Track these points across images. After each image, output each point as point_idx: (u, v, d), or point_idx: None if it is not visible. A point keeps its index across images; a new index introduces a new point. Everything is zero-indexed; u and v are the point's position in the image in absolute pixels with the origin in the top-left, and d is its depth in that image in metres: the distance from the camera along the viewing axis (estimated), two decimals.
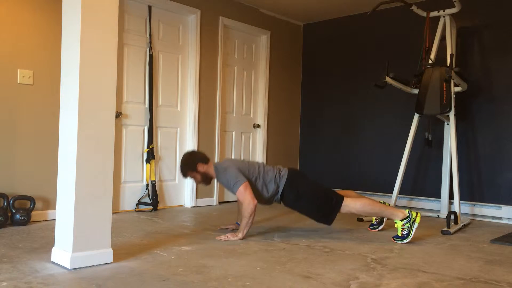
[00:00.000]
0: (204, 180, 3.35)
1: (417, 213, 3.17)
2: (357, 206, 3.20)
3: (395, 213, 3.19)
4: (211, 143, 4.87)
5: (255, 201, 3.08)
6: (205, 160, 3.33)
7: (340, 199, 3.19)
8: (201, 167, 3.28)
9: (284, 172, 3.30)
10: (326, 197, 3.22)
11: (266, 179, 3.26)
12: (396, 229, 3.20)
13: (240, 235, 3.08)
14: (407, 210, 3.19)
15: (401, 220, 3.14)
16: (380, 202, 3.41)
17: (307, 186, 3.27)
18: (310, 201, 3.24)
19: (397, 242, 3.15)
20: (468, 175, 4.51)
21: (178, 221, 3.80)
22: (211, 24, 4.85)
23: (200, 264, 2.48)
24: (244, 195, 3.07)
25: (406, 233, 3.13)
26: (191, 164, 3.30)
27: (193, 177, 3.34)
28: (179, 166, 3.39)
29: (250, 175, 3.23)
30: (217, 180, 3.33)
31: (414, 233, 3.14)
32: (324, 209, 3.22)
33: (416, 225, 3.14)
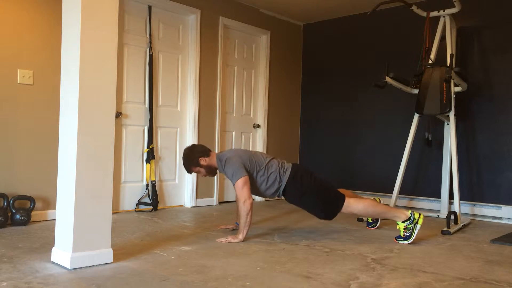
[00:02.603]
0: (209, 172, 3.31)
1: (419, 214, 3.13)
2: (359, 207, 3.16)
3: (397, 215, 3.16)
4: (211, 143, 4.87)
5: (251, 200, 3.04)
6: (206, 153, 3.26)
7: (342, 198, 3.16)
8: (203, 161, 3.24)
9: (288, 167, 3.23)
10: (330, 196, 3.18)
11: (269, 171, 3.19)
12: (399, 230, 3.19)
13: (240, 236, 3.04)
14: (410, 211, 3.15)
15: (403, 222, 3.13)
16: (372, 199, 3.42)
17: (311, 182, 3.19)
18: (313, 199, 3.17)
19: (399, 242, 3.14)
20: (468, 175, 4.51)
21: (178, 221, 3.80)
22: (211, 24, 4.85)
23: (200, 264, 2.48)
24: (242, 191, 3.04)
25: (408, 234, 3.11)
26: (193, 159, 3.24)
27: (197, 171, 3.30)
28: (182, 162, 3.34)
29: (252, 166, 3.17)
30: (220, 171, 3.27)
31: (416, 234, 3.13)
32: (326, 207, 3.18)
33: (418, 226, 3.10)
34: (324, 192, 3.19)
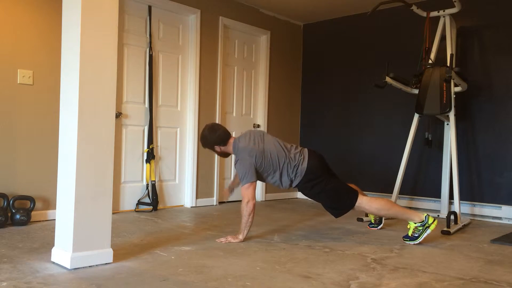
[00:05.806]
0: (222, 155, 3.35)
1: (434, 219, 3.09)
2: (372, 208, 3.13)
3: (412, 217, 3.13)
4: None
5: (254, 201, 3.04)
6: (224, 142, 3.21)
7: (355, 197, 3.11)
8: (218, 148, 3.25)
9: (302, 170, 3.12)
10: (342, 195, 3.13)
11: (282, 175, 3.14)
12: (407, 229, 3.18)
13: (240, 236, 3.05)
14: (425, 214, 3.11)
15: (415, 223, 3.11)
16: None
17: (322, 189, 3.13)
18: (326, 196, 3.14)
19: (405, 242, 3.14)
20: (468, 175, 4.51)
21: (178, 221, 3.80)
22: (211, 24, 4.85)
23: (200, 264, 2.48)
24: (247, 191, 3.04)
25: (416, 235, 3.10)
26: (209, 143, 3.24)
27: (211, 150, 3.31)
28: (200, 137, 3.32)
29: (263, 166, 3.10)
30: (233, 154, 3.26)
31: (425, 237, 3.09)
32: (338, 206, 3.15)
33: (429, 231, 3.07)
34: (337, 194, 3.14)
